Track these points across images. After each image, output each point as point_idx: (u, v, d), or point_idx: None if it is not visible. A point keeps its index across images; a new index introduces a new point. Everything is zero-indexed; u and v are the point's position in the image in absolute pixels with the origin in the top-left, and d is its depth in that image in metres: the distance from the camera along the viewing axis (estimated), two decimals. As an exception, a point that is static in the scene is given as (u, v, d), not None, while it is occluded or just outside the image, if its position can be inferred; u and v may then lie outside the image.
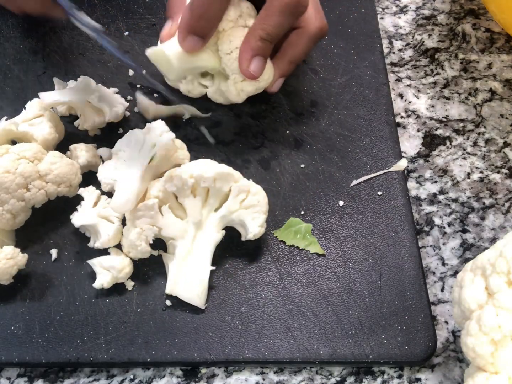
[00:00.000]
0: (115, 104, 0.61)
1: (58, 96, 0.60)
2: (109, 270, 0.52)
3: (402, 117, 0.67)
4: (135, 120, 0.64)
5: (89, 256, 0.54)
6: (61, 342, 0.51)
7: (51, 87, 0.63)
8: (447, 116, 0.67)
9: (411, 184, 0.62)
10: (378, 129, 0.63)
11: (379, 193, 0.59)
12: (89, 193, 0.56)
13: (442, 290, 0.56)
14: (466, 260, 0.57)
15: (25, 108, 0.60)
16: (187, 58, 0.57)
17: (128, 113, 0.64)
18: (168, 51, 0.57)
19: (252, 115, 0.64)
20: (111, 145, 0.58)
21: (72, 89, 0.61)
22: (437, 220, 0.60)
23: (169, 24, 0.58)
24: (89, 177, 0.58)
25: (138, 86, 0.66)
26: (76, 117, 0.62)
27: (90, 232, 0.55)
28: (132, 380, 0.52)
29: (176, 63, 0.57)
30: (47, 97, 0.60)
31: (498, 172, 0.62)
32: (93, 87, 0.61)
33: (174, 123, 0.63)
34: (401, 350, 0.50)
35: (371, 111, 0.64)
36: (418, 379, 0.51)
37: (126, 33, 0.70)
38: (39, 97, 0.60)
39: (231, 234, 0.55)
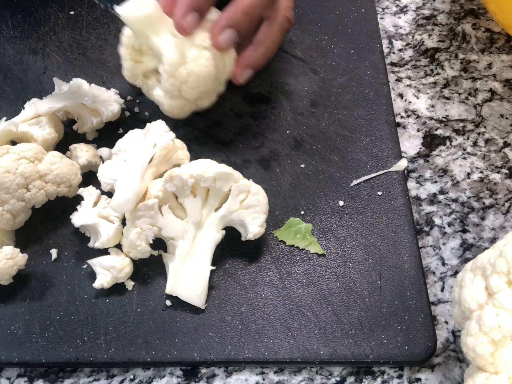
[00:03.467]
0: (111, 102, 0.61)
1: (52, 103, 0.59)
2: (109, 270, 0.52)
3: (402, 117, 0.67)
4: (135, 120, 0.64)
5: (89, 256, 0.54)
6: (61, 342, 0.51)
7: (51, 87, 0.63)
8: (447, 116, 0.67)
9: (411, 184, 0.62)
10: (378, 129, 0.63)
11: (379, 193, 0.59)
12: (89, 193, 0.56)
13: (442, 290, 0.56)
14: (466, 260, 0.57)
15: (23, 108, 0.60)
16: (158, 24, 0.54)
17: (128, 113, 0.64)
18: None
19: (252, 115, 0.64)
20: (111, 145, 0.58)
21: (65, 94, 0.60)
22: (437, 220, 0.60)
23: None
24: (89, 177, 0.58)
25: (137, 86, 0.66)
26: (74, 121, 0.62)
27: (90, 232, 0.55)
28: (132, 380, 0.52)
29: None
30: (41, 105, 0.59)
31: (498, 172, 0.62)
32: (86, 88, 0.60)
33: (174, 123, 0.63)
34: (401, 350, 0.50)
35: (371, 111, 0.64)
36: (418, 379, 0.51)
37: (126, 33, 0.70)
38: (38, 98, 0.60)
39: (231, 234, 0.55)
